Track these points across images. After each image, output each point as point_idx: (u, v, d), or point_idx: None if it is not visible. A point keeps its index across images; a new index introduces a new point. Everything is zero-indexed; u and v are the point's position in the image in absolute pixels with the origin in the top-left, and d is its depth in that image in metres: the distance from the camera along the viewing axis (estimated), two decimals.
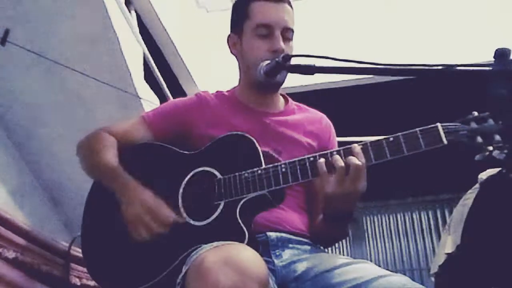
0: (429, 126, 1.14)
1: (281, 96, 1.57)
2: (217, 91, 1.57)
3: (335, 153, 1.19)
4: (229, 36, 1.53)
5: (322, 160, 1.19)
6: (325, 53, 1.15)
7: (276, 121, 1.48)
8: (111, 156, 1.38)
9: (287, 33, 1.44)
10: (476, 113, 1.14)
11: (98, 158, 1.38)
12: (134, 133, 1.46)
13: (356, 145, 1.19)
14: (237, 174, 1.26)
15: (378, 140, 1.18)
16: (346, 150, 1.19)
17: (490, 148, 1.10)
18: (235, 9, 1.52)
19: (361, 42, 4.32)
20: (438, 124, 1.14)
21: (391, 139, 1.16)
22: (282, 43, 1.41)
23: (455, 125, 1.13)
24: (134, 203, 1.25)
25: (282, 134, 1.45)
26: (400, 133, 1.16)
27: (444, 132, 1.12)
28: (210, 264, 0.95)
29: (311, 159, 1.21)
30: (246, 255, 1.00)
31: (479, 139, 1.10)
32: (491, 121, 1.10)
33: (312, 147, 1.47)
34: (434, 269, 2.75)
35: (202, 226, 1.24)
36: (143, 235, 1.22)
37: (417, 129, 1.15)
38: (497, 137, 1.09)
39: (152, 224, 1.22)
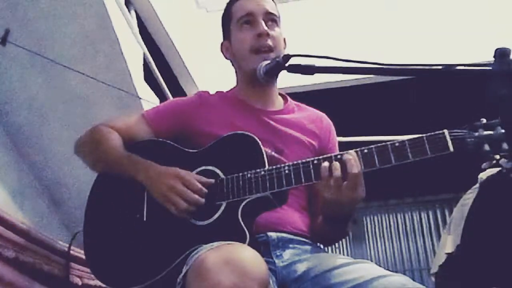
0: (436, 132, 1.13)
1: (279, 95, 1.57)
2: (217, 92, 1.58)
3: (339, 157, 1.19)
4: (221, 44, 1.57)
5: (326, 163, 1.19)
6: (325, 53, 1.15)
7: (277, 119, 1.48)
8: (120, 145, 1.40)
9: (270, 17, 1.48)
10: (484, 120, 1.12)
11: (108, 149, 1.39)
12: (135, 130, 1.47)
13: (351, 151, 1.18)
14: (240, 174, 1.26)
15: (384, 145, 1.17)
16: (339, 156, 1.19)
17: (497, 156, 1.09)
18: (222, 18, 1.58)
19: (361, 42, 4.31)
20: (445, 131, 1.12)
21: (397, 144, 1.16)
22: (265, 26, 1.44)
23: (463, 132, 1.11)
24: (162, 178, 1.27)
25: (283, 132, 1.45)
26: (406, 139, 1.15)
27: (451, 139, 1.11)
28: (210, 265, 0.95)
29: (315, 162, 1.21)
30: (246, 255, 1.00)
31: (487, 147, 1.08)
32: (499, 129, 1.08)
33: (312, 145, 1.47)
34: (434, 269, 2.75)
35: (204, 225, 1.24)
36: (181, 205, 1.23)
37: (424, 135, 1.14)
38: (505, 146, 1.07)
39: (186, 191, 1.23)
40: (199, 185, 1.25)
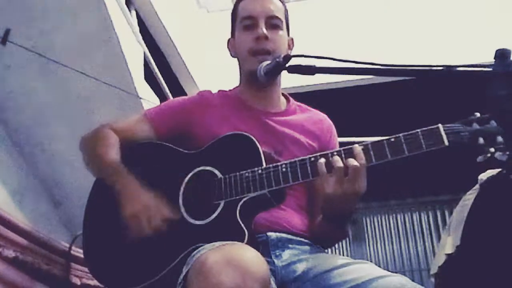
0: (431, 127, 1.14)
1: (282, 96, 1.57)
2: (219, 90, 1.58)
3: (335, 153, 1.19)
4: (228, 41, 1.58)
5: (322, 160, 1.19)
6: (325, 54, 1.15)
7: (277, 121, 1.48)
8: (113, 154, 1.40)
9: (272, 21, 1.47)
10: (478, 114, 1.14)
11: (101, 156, 1.39)
12: (136, 130, 1.47)
13: (356, 145, 1.19)
14: (237, 173, 1.26)
15: (379, 140, 1.18)
16: (346, 151, 1.19)
17: (492, 149, 1.10)
18: (231, 15, 1.58)
19: (361, 42, 4.32)
20: (440, 125, 1.14)
21: (392, 139, 1.17)
22: (264, 30, 1.44)
23: (457, 126, 1.13)
24: (133, 202, 1.26)
25: (282, 134, 1.45)
26: (401, 134, 1.16)
27: (446, 133, 1.12)
28: (212, 264, 0.95)
29: (312, 159, 1.22)
30: (248, 255, 1.00)
31: (481, 140, 1.10)
32: (493, 123, 1.10)
33: (312, 147, 1.47)
34: (434, 269, 2.75)
35: (202, 225, 1.24)
36: (146, 230, 1.23)
37: (419, 130, 1.15)
38: (499, 139, 1.08)
39: (149, 222, 1.23)
40: (167, 215, 1.25)
